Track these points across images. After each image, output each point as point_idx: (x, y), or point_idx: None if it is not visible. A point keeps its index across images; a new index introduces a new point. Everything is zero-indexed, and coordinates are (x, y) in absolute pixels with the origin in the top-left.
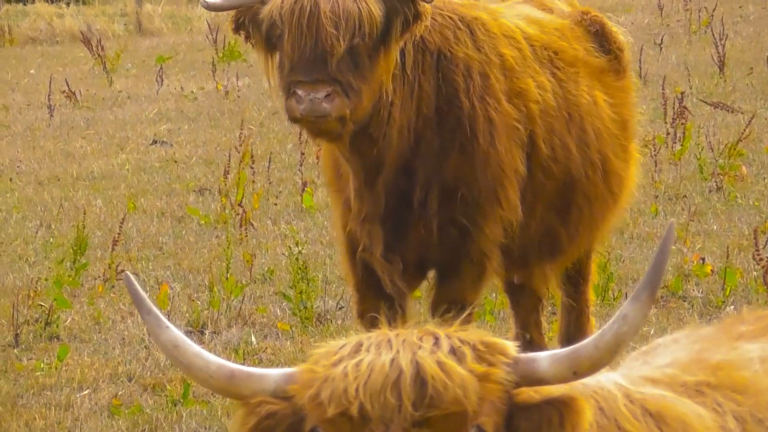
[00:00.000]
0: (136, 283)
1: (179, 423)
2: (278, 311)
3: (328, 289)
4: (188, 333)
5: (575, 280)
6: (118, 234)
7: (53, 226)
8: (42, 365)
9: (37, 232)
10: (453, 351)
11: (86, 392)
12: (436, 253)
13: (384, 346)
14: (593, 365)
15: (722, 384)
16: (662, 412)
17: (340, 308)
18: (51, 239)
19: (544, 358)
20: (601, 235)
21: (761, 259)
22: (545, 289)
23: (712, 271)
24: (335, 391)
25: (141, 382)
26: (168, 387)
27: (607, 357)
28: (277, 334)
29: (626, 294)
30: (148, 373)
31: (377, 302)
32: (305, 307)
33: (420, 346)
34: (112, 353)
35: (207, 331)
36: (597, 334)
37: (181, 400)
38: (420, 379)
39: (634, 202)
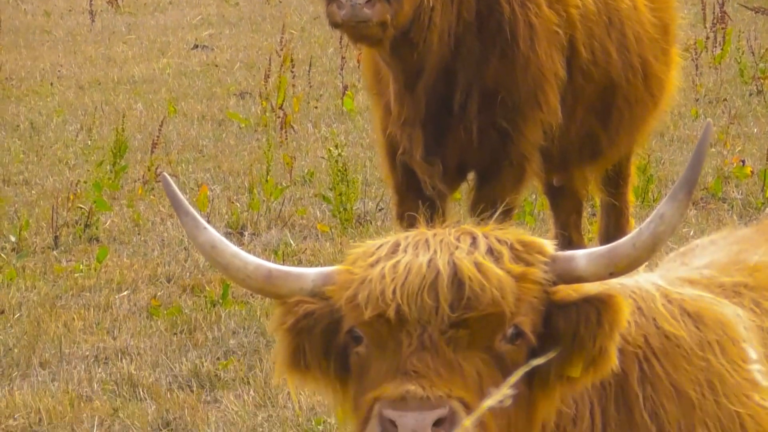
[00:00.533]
0: (173, 184)
1: (218, 324)
2: (318, 213)
3: (367, 191)
4: (227, 235)
5: (615, 182)
6: (158, 137)
7: (93, 130)
8: (81, 267)
9: (77, 136)
10: (490, 251)
11: (125, 293)
12: (476, 156)
13: (421, 246)
14: (631, 263)
15: (760, 285)
16: (700, 313)
17: (380, 210)
18: (90, 142)
19: (582, 256)
20: (641, 138)
21: None
22: (585, 191)
23: (751, 172)
24: (372, 292)
25: (180, 284)
26: (207, 288)
27: (644, 255)
28: (317, 236)
29: (666, 195)
30: (187, 274)
31: (417, 204)
32: (345, 209)
33: (457, 246)
34: (151, 255)
35: (246, 233)
36: (634, 232)
37: (220, 301)
38: (457, 280)
39: (674, 105)
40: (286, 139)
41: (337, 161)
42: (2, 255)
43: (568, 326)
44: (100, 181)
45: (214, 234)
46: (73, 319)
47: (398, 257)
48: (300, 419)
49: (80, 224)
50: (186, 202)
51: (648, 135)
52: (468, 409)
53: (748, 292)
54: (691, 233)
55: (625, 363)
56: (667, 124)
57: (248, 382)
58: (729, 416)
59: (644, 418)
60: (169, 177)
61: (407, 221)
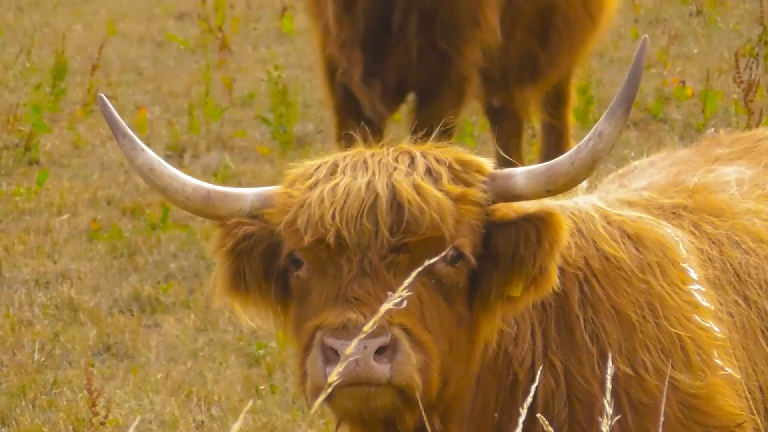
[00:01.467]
0: (110, 105)
1: (158, 247)
2: (258, 135)
3: (307, 113)
4: (167, 157)
5: (555, 103)
6: (98, 59)
7: (33, 52)
8: (21, 190)
9: (16, 58)
10: (429, 171)
11: (65, 217)
12: (415, 77)
13: (360, 167)
14: (569, 181)
15: (699, 207)
16: (640, 234)
17: (320, 132)
18: (29, 64)
19: (520, 173)
20: (581, 59)
21: (741, 82)
22: (525, 112)
23: (692, 93)
24: (311, 217)
25: (120, 207)
26: (147, 211)
27: (583, 173)
28: (257, 158)
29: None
30: (128, 197)
31: (356, 125)
32: (285, 131)
33: (395, 167)
34: (92, 178)
35: (186, 155)
36: (573, 150)
37: (160, 224)
38: (396, 203)
39: (613, 26)
40: (226, 60)
41: (276, 83)
42: None
43: (507, 245)
44: (40, 104)
45: (152, 156)
46: (14, 242)
47: (337, 179)
48: (241, 343)
49: (20, 147)
50: (123, 124)
51: (587, 56)
52: (410, 335)
53: (688, 214)
54: (632, 155)
55: (566, 284)
56: (607, 45)
57: (189, 306)
58: (669, 338)
59: (585, 340)
60: (106, 98)
61: (346, 142)
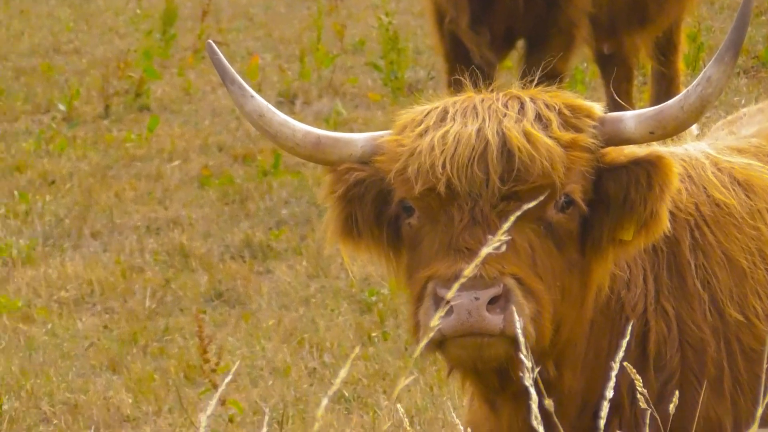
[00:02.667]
0: (219, 52)
1: (269, 193)
2: (369, 81)
3: (418, 59)
4: (279, 104)
5: (665, 50)
6: (208, 4)
7: None
8: (132, 136)
9: (127, 4)
10: (538, 117)
11: (176, 163)
12: (523, 24)
13: (470, 113)
14: (678, 125)
15: None
16: (750, 181)
17: (431, 78)
18: (140, 11)
19: (630, 117)
20: (690, 5)
21: None
22: (636, 59)
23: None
24: (422, 166)
25: (231, 153)
26: (258, 157)
27: (691, 117)
28: (368, 105)
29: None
30: (239, 143)
31: (466, 72)
32: (396, 77)
33: (505, 113)
34: (203, 124)
35: (298, 102)
36: (682, 95)
37: (272, 170)
38: (506, 151)
39: None
40: (337, 6)
41: (387, 29)
42: (53, 125)
43: (618, 189)
44: (151, 50)
45: (261, 102)
46: (124, 189)
47: (447, 126)
48: (353, 290)
49: (131, 93)
50: (232, 71)
51: (697, 2)
52: (522, 285)
53: None
54: (742, 102)
55: (677, 230)
56: None
57: (300, 253)
58: None
59: (696, 286)
60: (215, 45)
61: (457, 88)
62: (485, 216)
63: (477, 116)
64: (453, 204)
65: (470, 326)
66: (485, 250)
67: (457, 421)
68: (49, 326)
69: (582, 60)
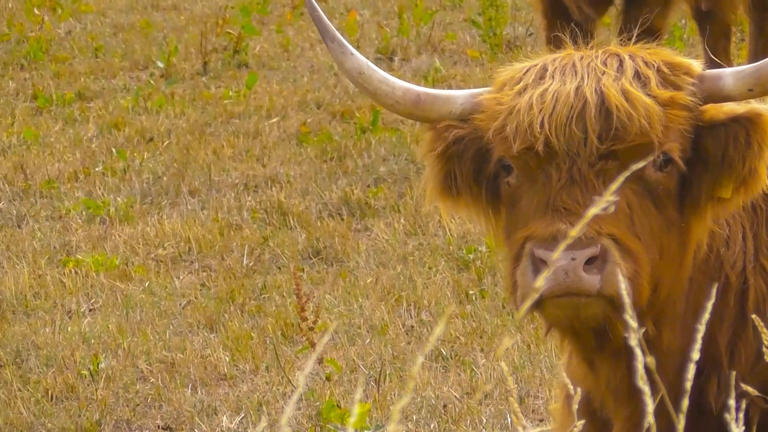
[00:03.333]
0: (319, 8)
1: (368, 150)
2: (467, 38)
3: (517, 16)
4: (377, 60)
5: (763, 7)
6: None
7: None
8: (230, 93)
9: None
10: (637, 75)
11: (274, 120)
12: None
13: (568, 71)
14: None
15: None
16: None
17: (530, 35)
18: None
19: (729, 74)
20: None
21: None
22: (734, 15)
23: None
24: (520, 124)
25: (330, 110)
26: (357, 114)
27: None
28: (467, 61)
29: None
30: (337, 100)
31: (565, 28)
32: (494, 34)
33: (604, 71)
34: (301, 81)
35: (396, 58)
36: None
37: (370, 127)
38: (605, 109)
39: None
40: None
41: None
42: (151, 81)
43: (716, 147)
44: (249, 6)
45: (361, 59)
46: (222, 146)
47: (545, 84)
48: (451, 247)
49: (229, 50)
50: (332, 27)
51: None
52: (620, 245)
53: None
54: None
55: None
56: None
57: (398, 210)
58: None
59: None
60: (314, 1)
61: (555, 45)
62: (583, 175)
63: (576, 74)
64: (551, 163)
65: (567, 286)
66: (592, 211)
67: (567, 380)
68: (147, 284)
69: (680, 17)
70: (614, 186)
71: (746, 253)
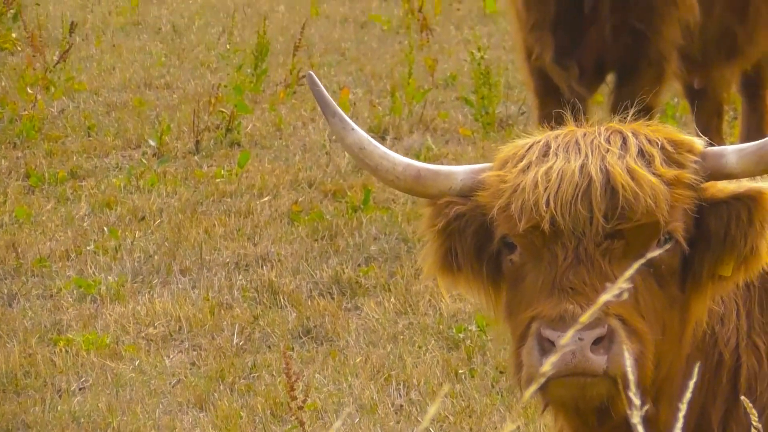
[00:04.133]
0: (320, 83)
1: (359, 229)
2: (460, 116)
3: (509, 94)
4: None
5: (755, 85)
6: (300, 39)
7: (235, 33)
8: (222, 172)
9: (219, 39)
10: (641, 153)
11: (266, 199)
12: (612, 56)
13: (572, 149)
14: None
15: None
16: None
17: (522, 113)
18: (231, 45)
19: (732, 152)
20: None
21: None
22: (726, 93)
23: None
24: (526, 203)
25: (321, 189)
26: (348, 193)
27: None
28: (459, 140)
29: None
30: (329, 179)
31: (557, 107)
32: (487, 113)
33: (608, 149)
34: (293, 159)
35: (388, 137)
36: None
37: (362, 206)
38: (610, 189)
39: None
40: (428, 41)
41: (479, 64)
42: (143, 160)
43: (719, 225)
44: (242, 85)
45: (362, 135)
46: (214, 225)
47: (550, 162)
48: (441, 326)
49: (221, 128)
50: (333, 103)
51: None
52: (626, 325)
53: None
54: None
55: None
56: None
57: (389, 289)
58: None
59: None
60: (315, 76)
61: (548, 124)
62: (589, 255)
63: (580, 152)
64: (557, 242)
65: (573, 367)
66: (604, 297)
67: None
68: (137, 363)
69: (672, 95)
70: (628, 273)
71: (739, 331)
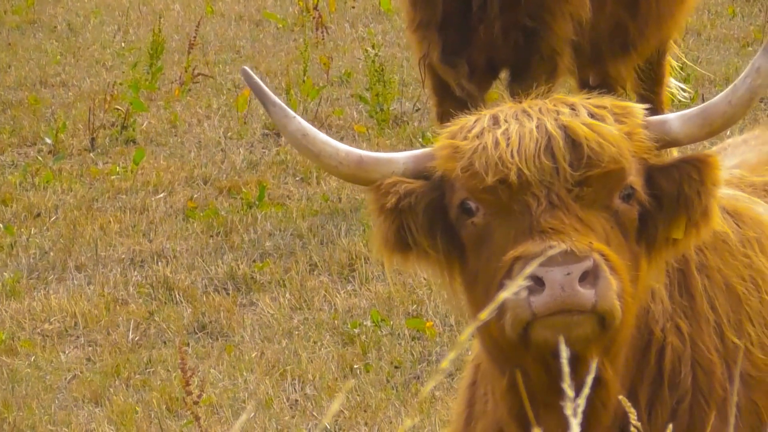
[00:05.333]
0: (255, 76)
1: (254, 226)
2: (355, 114)
3: (404, 91)
4: (264, 136)
5: (650, 82)
6: (195, 37)
7: (130, 31)
8: (118, 169)
9: (114, 37)
10: (592, 115)
11: (161, 195)
12: (504, 54)
13: (522, 115)
14: (726, 121)
15: None
16: (738, 211)
17: (417, 110)
18: (126, 43)
19: (674, 118)
20: (672, 32)
21: None
22: (621, 89)
23: None
24: (490, 158)
25: (216, 185)
26: (243, 190)
27: (740, 112)
28: (354, 137)
29: (702, 95)
30: (224, 176)
31: (455, 104)
32: (382, 110)
33: (558, 111)
34: (188, 156)
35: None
36: (729, 89)
37: (257, 202)
38: (571, 140)
39: (710, 3)
40: (324, 39)
41: (374, 61)
42: (39, 157)
43: (671, 186)
44: (137, 83)
45: (303, 123)
46: (110, 221)
47: (503, 126)
48: (336, 322)
49: (117, 126)
50: (271, 93)
51: (680, 29)
52: (608, 260)
53: None
54: (726, 133)
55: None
56: (704, 23)
57: (284, 285)
58: None
59: (705, 307)
60: (249, 70)
61: (448, 121)
62: (562, 200)
63: (531, 116)
64: (526, 192)
65: (563, 301)
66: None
67: None
68: (33, 359)
69: (567, 91)
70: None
71: (664, 311)
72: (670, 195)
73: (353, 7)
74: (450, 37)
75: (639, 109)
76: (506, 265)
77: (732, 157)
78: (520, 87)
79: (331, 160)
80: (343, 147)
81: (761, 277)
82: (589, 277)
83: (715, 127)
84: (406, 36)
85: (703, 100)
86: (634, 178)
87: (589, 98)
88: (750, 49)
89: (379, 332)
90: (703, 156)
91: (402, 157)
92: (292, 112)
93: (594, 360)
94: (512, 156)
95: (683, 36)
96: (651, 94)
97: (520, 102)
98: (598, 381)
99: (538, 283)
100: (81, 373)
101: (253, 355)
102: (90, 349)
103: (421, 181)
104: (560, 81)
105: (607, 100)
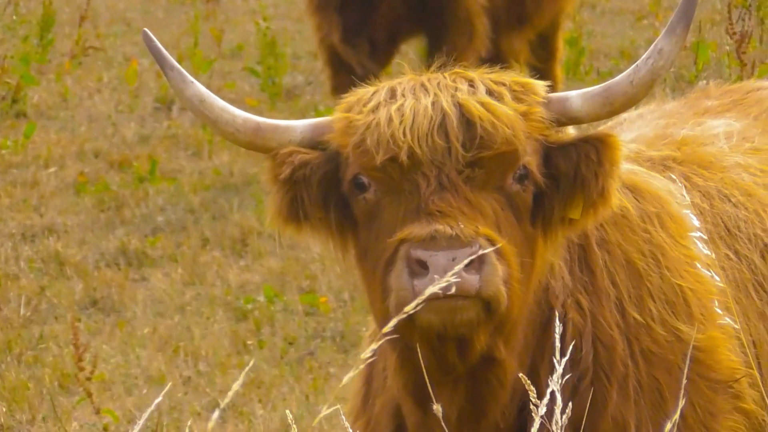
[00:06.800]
0: (155, 39)
1: (145, 200)
2: (247, 87)
3: (296, 65)
4: (156, 110)
5: (543, 56)
6: (86, 10)
7: (20, 3)
8: (8, 143)
9: (4, 10)
10: (490, 92)
11: (52, 170)
12: (407, 28)
13: (419, 90)
14: (628, 100)
15: (687, 159)
16: (637, 186)
17: (309, 83)
18: (17, 16)
19: (576, 95)
20: (566, 5)
21: (734, 33)
22: (515, 62)
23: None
24: (381, 136)
25: (107, 159)
26: (135, 164)
27: (641, 92)
28: (246, 110)
29: (597, 68)
30: (115, 149)
31: (350, 77)
32: (274, 83)
33: (456, 88)
34: (79, 130)
35: (175, 107)
36: (630, 69)
37: (148, 176)
38: (466, 120)
39: None
40: (214, 11)
41: (265, 34)
42: None
43: (568, 166)
44: (28, 56)
45: (201, 88)
46: (0, 196)
47: (399, 101)
48: (229, 297)
49: (7, 99)
50: (170, 57)
51: (573, 2)
52: (495, 246)
53: (677, 166)
54: None
55: None
56: None
57: (176, 260)
58: (672, 289)
59: (605, 283)
60: (150, 33)
61: (342, 95)
62: (452, 181)
63: (428, 92)
64: (416, 172)
65: (446, 286)
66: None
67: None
68: None
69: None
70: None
71: (565, 287)
72: (567, 175)
73: None
74: (350, 17)
75: (540, 86)
76: (392, 247)
77: (629, 132)
78: (439, 52)
79: (228, 127)
80: (240, 113)
81: (661, 252)
82: (475, 262)
83: (616, 107)
84: (302, 8)
85: (598, 73)
86: (530, 159)
87: (489, 73)
88: (645, 22)
89: (273, 308)
90: (603, 135)
91: (300, 125)
92: (190, 77)
93: (482, 342)
94: (404, 134)
95: (578, 9)
96: (544, 69)
97: (421, 74)
98: (492, 360)
99: (422, 266)
100: None
101: (146, 330)
102: None
103: (318, 152)
104: (480, 44)
105: (508, 76)
